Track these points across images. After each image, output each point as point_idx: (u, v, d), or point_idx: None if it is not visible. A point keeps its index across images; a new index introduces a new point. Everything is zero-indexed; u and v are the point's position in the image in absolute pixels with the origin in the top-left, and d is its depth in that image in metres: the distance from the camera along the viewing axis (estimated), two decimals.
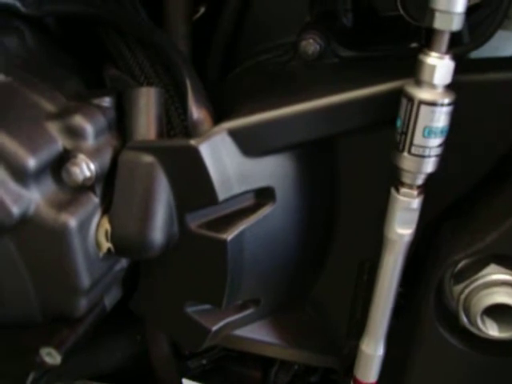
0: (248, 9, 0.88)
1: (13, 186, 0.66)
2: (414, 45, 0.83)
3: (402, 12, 0.82)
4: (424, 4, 0.67)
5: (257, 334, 0.88)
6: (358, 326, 0.86)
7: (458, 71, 0.67)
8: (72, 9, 0.82)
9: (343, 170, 0.79)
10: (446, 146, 0.69)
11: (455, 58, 0.67)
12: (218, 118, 0.76)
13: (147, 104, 0.73)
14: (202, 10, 0.92)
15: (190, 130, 0.75)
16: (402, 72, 0.71)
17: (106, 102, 0.74)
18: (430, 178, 0.71)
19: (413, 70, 0.68)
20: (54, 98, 0.73)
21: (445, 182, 0.74)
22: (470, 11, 0.79)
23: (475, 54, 0.79)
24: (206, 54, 0.91)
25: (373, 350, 0.81)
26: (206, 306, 0.82)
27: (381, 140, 0.73)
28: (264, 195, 0.76)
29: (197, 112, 0.74)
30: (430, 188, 0.72)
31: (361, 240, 0.82)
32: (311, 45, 0.79)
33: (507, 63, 0.76)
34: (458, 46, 0.75)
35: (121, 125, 0.75)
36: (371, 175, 0.78)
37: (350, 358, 0.87)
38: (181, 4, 0.86)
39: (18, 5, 0.78)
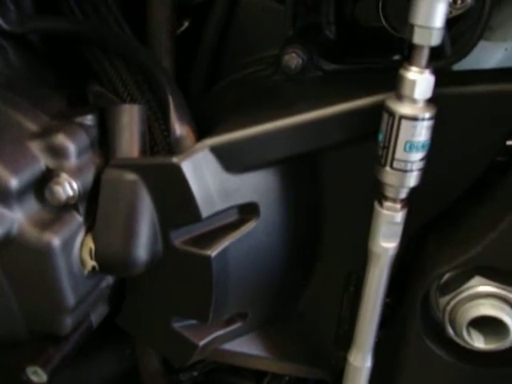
0: (232, 22, 0.88)
1: None
2: (396, 57, 0.83)
3: (384, 23, 0.83)
4: (406, 16, 0.67)
5: (245, 347, 0.88)
6: (345, 338, 0.86)
7: (440, 84, 0.67)
8: (55, 26, 0.82)
9: (327, 184, 0.79)
10: (429, 158, 0.69)
11: (437, 70, 0.67)
12: (202, 132, 0.76)
13: (130, 121, 0.73)
14: (186, 23, 0.92)
15: (173, 146, 0.75)
16: (385, 85, 0.71)
17: (89, 119, 0.74)
18: (414, 190, 0.71)
19: (395, 83, 0.68)
20: (36, 117, 0.72)
21: (429, 194, 0.74)
22: (451, 23, 0.80)
23: (458, 65, 0.79)
24: (191, 67, 0.91)
25: (361, 362, 0.81)
26: (193, 321, 0.82)
27: (365, 153, 0.73)
28: (248, 211, 0.76)
29: (179, 128, 0.75)
30: (414, 200, 0.72)
31: (347, 252, 0.82)
32: (294, 59, 0.79)
33: (489, 75, 0.76)
34: (440, 58, 0.76)
35: (104, 142, 0.75)
36: (356, 188, 0.78)
37: (339, 369, 0.87)
38: (164, 18, 0.86)
39: (1, 22, 0.78)
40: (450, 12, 0.78)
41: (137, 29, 0.86)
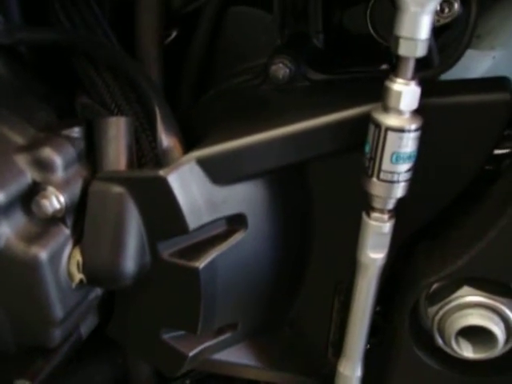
0: (220, 32, 0.88)
1: None
2: (384, 66, 0.83)
3: (372, 32, 0.83)
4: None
5: (235, 356, 0.88)
6: (335, 347, 0.86)
7: (426, 94, 0.67)
8: (43, 37, 0.82)
9: (316, 194, 0.79)
10: (417, 168, 0.69)
11: (424, 81, 0.67)
12: (191, 143, 0.76)
13: (117, 134, 0.73)
14: (174, 33, 0.92)
15: (161, 158, 0.75)
16: (372, 95, 0.70)
17: (76, 132, 0.74)
18: (402, 200, 0.71)
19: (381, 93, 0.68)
20: (23, 130, 0.72)
21: (417, 205, 0.74)
22: (439, 31, 0.80)
23: (445, 74, 0.79)
24: (179, 77, 0.91)
25: (351, 372, 0.81)
26: (183, 332, 0.82)
27: (353, 164, 0.73)
28: (236, 222, 0.76)
29: (166, 140, 0.74)
30: (402, 210, 0.72)
31: (336, 262, 0.82)
32: (281, 69, 0.79)
33: (476, 85, 0.76)
34: (427, 68, 0.75)
35: (91, 155, 0.75)
36: (344, 198, 0.78)
37: (329, 378, 0.87)
38: (152, 28, 0.86)
39: None
40: (438, 20, 0.79)
41: (124, 39, 0.86)
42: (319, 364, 0.88)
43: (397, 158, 0.67)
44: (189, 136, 0.78)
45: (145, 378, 0.98)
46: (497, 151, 0.79)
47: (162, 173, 0.70)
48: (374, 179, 0.69)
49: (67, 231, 0.72)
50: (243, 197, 0.75)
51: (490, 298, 0.74)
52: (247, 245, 0.77)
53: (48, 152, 0.70)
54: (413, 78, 0.66)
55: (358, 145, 0.71)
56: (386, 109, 0.67)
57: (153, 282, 0.76)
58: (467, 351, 0.77)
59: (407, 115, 0.67)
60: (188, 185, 0.71)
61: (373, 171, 0.69)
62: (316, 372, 0.89)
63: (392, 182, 0.68)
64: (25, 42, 0.83)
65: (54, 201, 0.69)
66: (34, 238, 0.69)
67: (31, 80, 0.83)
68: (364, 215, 0.72)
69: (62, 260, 0.72)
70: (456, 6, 0.78)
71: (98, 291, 0.79)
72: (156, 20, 0.85)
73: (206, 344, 0.83)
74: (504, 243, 0.71)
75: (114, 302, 0.83)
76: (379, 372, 0.83)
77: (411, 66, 0.66)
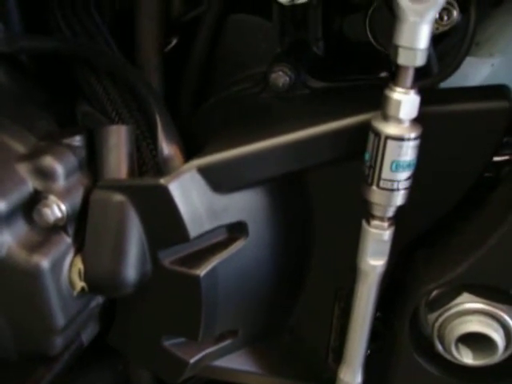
0: (219, 39, 0.89)
1: None
2: (384, 74, 0.83)
3: (371, 40, 0.83)
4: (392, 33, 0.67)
5: (236, 363, 0.89)
6: (336, 353, 0.86)
7: (426, 102, 0.68)
8: (44, 45, 0.82)
9: (316, 202, 0.79)
10: (417, 176, 0.69)
11: (423, 89, 0.67)
12: (191, 151, 0.76)
13: (118, 142, 0.74)
14: (174, 41, 0.92)
15: (161, 166, 0.75)
16: (372, 103, 0.71)
17: (77, 141, 0.74)
18: (401, 208, 0.71)
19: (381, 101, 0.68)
20: (24, 139, 0.73)
21: (416, 212, 0.75)
22: (438, 39, 0.80)
23: (445, 81, 0.79)
24: (179, 85, 0.91)
25: (351, 378, 0.82)
26: (183, 339, 0.82)
27: (353, 172, 0.73)
28: (236, 230, 0.76)
29: (167, 148, 0.75)
30: (402, 217, 0.72)
31: (336, 268, 0.83)
32: (281, 77, 0.79)
33: (474, 93, 0.77)
34: (427, 76, 0.76)
35: (92, 163, 0.75)
36: (344, 206, 0.78)
37: None
38: (152, 36, 0.87)
39: None
40: (437, 28, 0.79)
41: (125, 47, 0.87)
42: (319, 370, 0.89)
43: (396, 167, 0.68)
44: (189, 144, 0.78)
45: None
46: (496, 158, 0.79)
47: (162, 181, 0.70)
48: (374, 187, 0.69)
49: (68, 239, 0.72)
50: (244, 205, 0.76)
51: (489, 305, 0.74)
52: (248, 252, 0.77)
53: (49, 160, 0.71)
54: (412, 87, 0.66)
55: (357, 153, 0.72)
56: (385, 117, 0.67)
57: (154, 290, 0.77)
58: (467, 358, 0.77)
59: (407, 124, 0.67)
60: (189, 193, 0.71)
61: (373, 179, 0.69)
62: (316, 378, 0.89)
63: (392, 190, 0.69)
64: (26, 51, 0.84)
65: (56, 209, 0.70)
66: (35, 247, 0.70)
67: (32, 88, 0.84)
68: (364, 223, 0.73)
69: (64, 268, 0.72)
70: (455, 13, 0.78)
71: (99, 299, 0.79)
72: (156, 28, 0.86)
73: (207, 351, 0.84)
74: (504, 250, 0.72)
75: (115, 310, 0.84)
76: (379, 378, 0.83)
77: (410, 74, 0.66)
